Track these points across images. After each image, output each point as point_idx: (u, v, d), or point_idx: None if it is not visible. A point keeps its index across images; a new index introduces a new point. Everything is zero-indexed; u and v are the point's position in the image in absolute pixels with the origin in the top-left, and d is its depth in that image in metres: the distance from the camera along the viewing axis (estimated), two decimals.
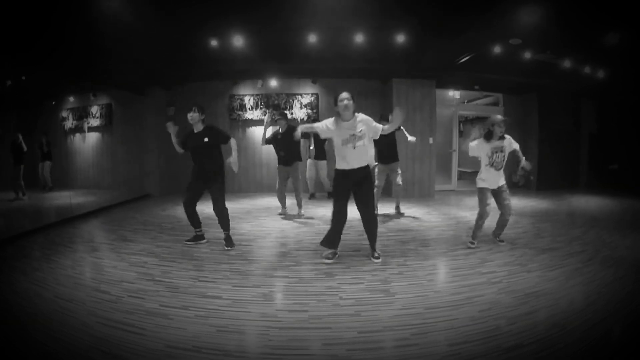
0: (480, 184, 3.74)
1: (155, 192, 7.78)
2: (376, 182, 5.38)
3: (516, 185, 8.83)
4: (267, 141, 5.23)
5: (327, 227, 3.50)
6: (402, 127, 5.25)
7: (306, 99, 7.99)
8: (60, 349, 1.96)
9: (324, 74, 7.76)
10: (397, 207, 5.66)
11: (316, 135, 5.61)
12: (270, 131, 5.35)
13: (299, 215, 5.47)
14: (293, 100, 7.97)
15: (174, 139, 3.87)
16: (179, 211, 5.93)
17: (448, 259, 3.48)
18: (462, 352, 1.90)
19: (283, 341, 2.04)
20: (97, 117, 8.01)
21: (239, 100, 8.05)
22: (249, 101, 8.03)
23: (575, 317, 2.25)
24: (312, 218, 5.33)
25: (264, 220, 5.25)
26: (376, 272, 3.10)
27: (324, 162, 6.86)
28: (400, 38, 5.62)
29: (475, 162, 3.94)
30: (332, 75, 7.75)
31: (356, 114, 3.21)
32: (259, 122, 7.98)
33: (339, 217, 3.30)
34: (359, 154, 3.17)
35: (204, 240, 4.01)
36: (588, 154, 9.20)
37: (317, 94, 8.01)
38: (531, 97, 8.55)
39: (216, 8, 4.69)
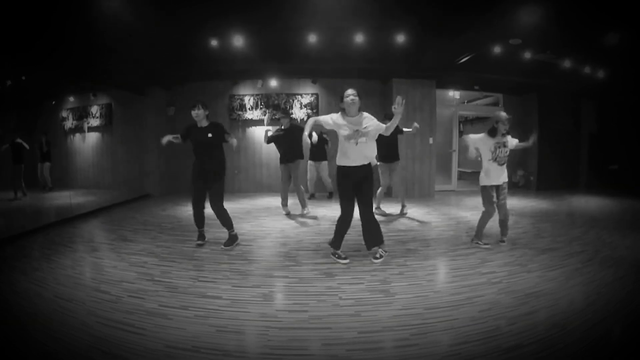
0: (484, 182, 3.75)
1: (155, 192, 7.78)
2: (381, 182, 5.36)
3: (516, 185, 8.83)
4: (270, 139, 5.23)
5: (327, 227, 3.50)
6: (404, 129, 5.26)
7: (306, 99, 7.99)
8: (60, 349, 1.96)
9: (324, 74, 7.76)
10: (403, 207, 5.56)
11: (317, 136, 5.61)
12: (272, 130, 5.37)
13: (303, 214, 5.46)
14: (293, 101, 7.97)
15: (170, 138, 3.80)
16: (179, 211, 5.94)
17: (448, 259, 3.48)
18: (462, 353, 1.90)
19: (283, 341, 2.04)
20: (97, 117, 8.01)
21: (239, 100, 8.05)
22: (249, 101, 8.03)
23: (575, 317, 2.25)
24: (315, 218, 5.32)
25: (264, 220, 5.24)
26: (376, 272, 3.10)
27: (325, 162, 6.86)
28: (400, 38, 5.62)
29: (476, 162, 3.94)
30: (332, 75, 7.75)
31: (361, 112, 3.24)
32: (259, 122, 7.98)
33: (345, 217, 3.30)
34: (361, 151, 3.18)
35: (204, 241, 3.99)
36: (588, 154, 9.20)
37: (317, 94, 8.01)
38: (531, 97, 8.56)
39: (216, 8, 4.69)
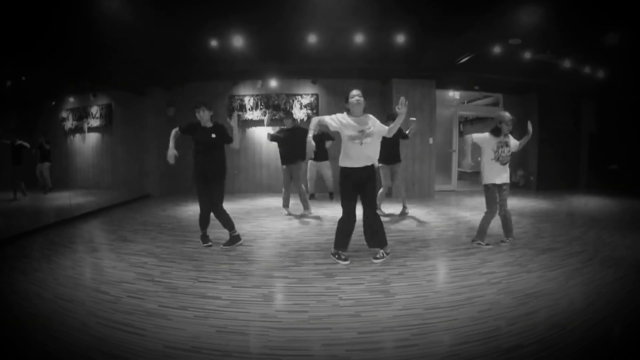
0: (486, 181, 3.77)
1: (155, 192, 7.78)
2: (382, 183, 5.36)
3: (516, 185, 8.83)
4: (272, 138, 5.22)
5: (328, 227, 3.50)
6: (407, 132, 5.27)
7: (306, 100, 7.99)
8: (60, 349, 1.96)
9: (324, 74, 7.76)
10: (404, 208, 5.55)
11: (319, 137, 5.61)
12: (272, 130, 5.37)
13: (305, 214, 5.45)
14: (293, 101, 7.97)
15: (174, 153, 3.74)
16: (179, 211, 5.94)
17: (448, 259, 3.48)
18: (462, 353, 1.90)
19: (283, 342, 2.04)
20: (97, 118, 8.00)
21: (238, 101, 8.05)
22: (248, 101, 8.03)
23: (575, 318, 2.25)
24: (316, 218, 5.32)
25: (264, 220, 5.24)
26: (376, 272, 3.09)
27: (327, 162, 6.82)
28: (400, 38, 5.62)
29: (476, 163, 3.95)
30: (332, 76, 7.75)
31: (366, 113, 3.26)
32: (259, 123, 7.97)
33: (346, 218, 3.29)
34: (364, 152, 3.18)
35: (211, 242, 3.97)
36: (588, 154, 9.20)
37: (317, 95, 8.01)
38: (531, 97, 8.56)
39: (216, 8, 4.69)
